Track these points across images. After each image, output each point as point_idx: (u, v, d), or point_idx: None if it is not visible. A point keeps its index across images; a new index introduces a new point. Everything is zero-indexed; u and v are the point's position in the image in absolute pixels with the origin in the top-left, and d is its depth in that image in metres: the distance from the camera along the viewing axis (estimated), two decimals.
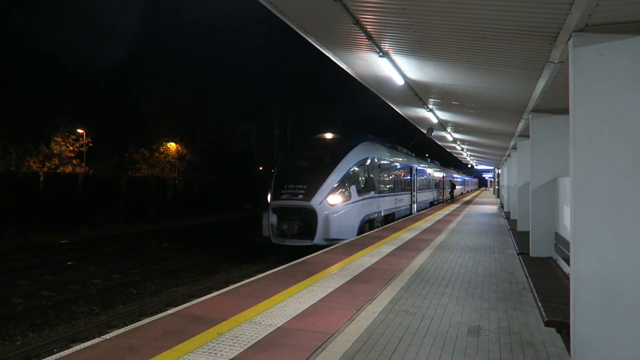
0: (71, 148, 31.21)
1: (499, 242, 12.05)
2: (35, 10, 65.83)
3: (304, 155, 15.02)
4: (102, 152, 34.66)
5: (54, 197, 22.92)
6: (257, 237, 16.06)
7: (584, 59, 3.66)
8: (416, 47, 6.15)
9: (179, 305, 6.24)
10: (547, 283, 5.75)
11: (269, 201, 13.77)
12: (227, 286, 7.44)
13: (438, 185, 34.77)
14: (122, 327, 6.04)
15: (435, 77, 7.84)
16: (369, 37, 5.82)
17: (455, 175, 50.65)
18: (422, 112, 12.40)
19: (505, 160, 22.20)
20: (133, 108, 43.92)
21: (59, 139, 30.51)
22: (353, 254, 9.76)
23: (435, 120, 13.52)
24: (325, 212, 12.94)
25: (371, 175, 15.66)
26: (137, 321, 5.66)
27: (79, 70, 57.41)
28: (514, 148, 15.02)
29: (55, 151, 30.17)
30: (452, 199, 39.01)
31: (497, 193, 38.97)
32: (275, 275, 7.55)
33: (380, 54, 6.49)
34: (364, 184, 14.98)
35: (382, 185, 17.37)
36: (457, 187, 46.91)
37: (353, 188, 14.10)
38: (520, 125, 10.58)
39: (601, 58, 3.62)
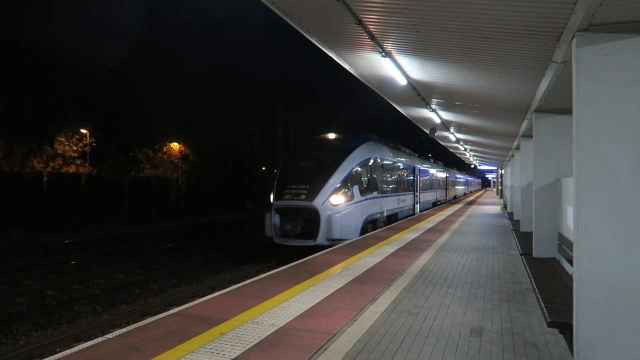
0: (75, 148, 31.21)
1: (502, 242, 12.02)
2: (39, 10, 66.16)
3: (307, 155, 15.03)
4: (105, 152, 34.68)
5: (57, 197, 23.01)
6: (260, 237, 16.10)
7: (587, 59, 3.64)
8: (419, 47, 6.14)
9: (181, 305, 6.24)
10: (550, 284, 5.73)
11: (271, 201, 13.79)
12: (230, 286, 7.44)
13: (441, 185, 34.72)
14: (125, 326, 6.03)
15: (438, 77, 7.82)
16: (372, 37, 5.81)
17: (458, 176, 50.56)
18: (425, 112, 12.38)
19: (509, 160, 22.15)
20: (136, 108, 44.01)
21: (63, 139, 30.54)
22: (356, 254, 9.75)
23: (438, 121, 13.49)
24: (328, 213, 12.94)
25: (374, 176, 15.64)
26: (139, 321, 5.68)
27: (83, 70, 57.63)
28: (518, 148, 15.00)
29: (58, 151, 30.18)
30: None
31: (501, 193, 38.87)
32: (277, 276, 7.55)
33: (383, 54, 6.48)
34: (367, 184, 14.97)
35: (385, 186, 17.35)
36: (459, 187, 46.73)
37: (356, 188, 14.08)
38: (524, 125, 10.55)
39: (605, 58, 3.60)
